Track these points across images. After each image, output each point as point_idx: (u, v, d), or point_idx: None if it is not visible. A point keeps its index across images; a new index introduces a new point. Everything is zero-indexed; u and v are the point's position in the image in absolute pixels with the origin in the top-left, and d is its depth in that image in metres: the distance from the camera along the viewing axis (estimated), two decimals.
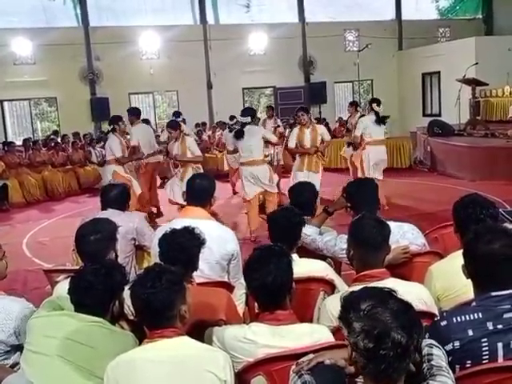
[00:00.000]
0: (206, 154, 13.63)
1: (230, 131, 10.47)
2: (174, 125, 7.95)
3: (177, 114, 10.00)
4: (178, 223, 3.04)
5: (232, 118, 12.27)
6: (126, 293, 2.28)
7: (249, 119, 7.23)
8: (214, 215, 5.77)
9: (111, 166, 7.97)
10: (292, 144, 7.81)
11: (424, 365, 1.73)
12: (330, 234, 3.53)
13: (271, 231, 3.14)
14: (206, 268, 3.16)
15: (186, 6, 17.39)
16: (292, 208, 3.36)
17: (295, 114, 8.18)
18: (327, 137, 8.07)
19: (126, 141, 8.36)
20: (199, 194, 3.56)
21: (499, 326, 1.96)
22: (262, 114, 19.19)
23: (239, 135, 7.23)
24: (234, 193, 10.86)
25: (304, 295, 2.78)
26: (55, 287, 3.05)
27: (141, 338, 2.21)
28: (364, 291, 1.70)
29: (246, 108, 8.79)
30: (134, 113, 8.72)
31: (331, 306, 2.42)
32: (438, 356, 1.76)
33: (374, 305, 1.58)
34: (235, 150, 8.29)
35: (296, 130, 7.93)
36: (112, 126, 8.09)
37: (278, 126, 11.17)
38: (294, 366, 1.80)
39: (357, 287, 1.86)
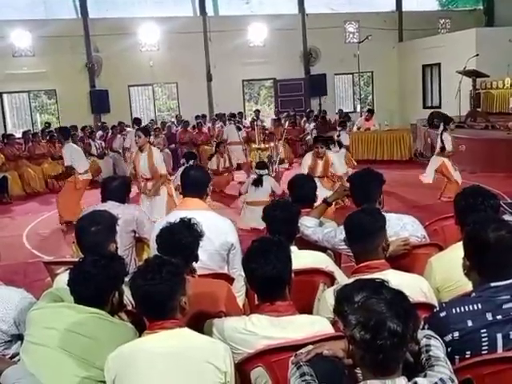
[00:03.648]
0: (206, 147, 13.62)
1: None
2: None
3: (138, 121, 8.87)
4: (177, 215, 3.03)
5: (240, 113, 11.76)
6: (126, 284, 2.28)
7: None
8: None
9: None
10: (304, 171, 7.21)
11: (422, 355, 1.73)
12: (330, 225, 3.54)
13: (269, 225, 3.15)
14: (206, 257, 3.15)
15: None
16: (287, 200, 3.35)
17: (315, 143, 7.84)
18: (341, 169, 7.82)
19: None
20: (196, 186, 3.56)
21: (498, 317, 1.97)
22: (261, 107, 19.16)
23: None
24: None
25: (304, 287, 2.78)
26: (55, 279, 3.07)
27: (140, 330, 2.22)
28: (357, 283, 1.70)
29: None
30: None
31: (331, 297, 2.42)
32: (436, 347, 1.77)
33: (368, 296, 1.58)
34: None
35: (309, 157, 7.62)
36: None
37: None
38: (293, 358, 1.80)
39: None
